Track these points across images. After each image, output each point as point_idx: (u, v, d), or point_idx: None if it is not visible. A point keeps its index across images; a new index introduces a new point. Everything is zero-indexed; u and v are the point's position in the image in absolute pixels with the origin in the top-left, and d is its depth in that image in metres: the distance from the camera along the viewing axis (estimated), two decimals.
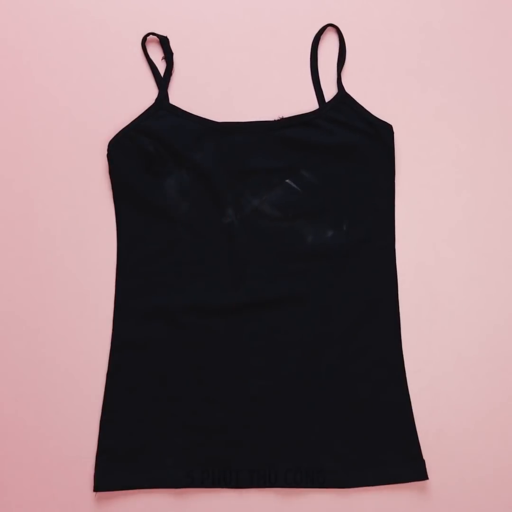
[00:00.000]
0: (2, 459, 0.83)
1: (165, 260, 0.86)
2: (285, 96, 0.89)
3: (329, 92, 0.89)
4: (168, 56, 0.89)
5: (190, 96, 0.89)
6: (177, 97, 0.89)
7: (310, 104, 0.89)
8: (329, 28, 0.90)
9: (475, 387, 0.85)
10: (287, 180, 0.87)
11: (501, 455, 0.83)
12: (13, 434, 0.84)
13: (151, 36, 0.90)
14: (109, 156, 0.87)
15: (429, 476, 0.81)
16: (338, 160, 0.87)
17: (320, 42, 0.90)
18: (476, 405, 0.84)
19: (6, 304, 0.86)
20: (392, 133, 0.87)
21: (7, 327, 0.86)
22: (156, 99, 0.88)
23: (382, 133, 0.87)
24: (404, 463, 0.82)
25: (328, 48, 0.91)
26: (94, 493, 0.81)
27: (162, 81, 0.89)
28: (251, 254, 0.86)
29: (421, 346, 0.85)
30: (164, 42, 0.89)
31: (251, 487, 0.81)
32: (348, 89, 0.89)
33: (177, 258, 0.86)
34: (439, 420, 0.84)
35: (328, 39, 0.91)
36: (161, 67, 0.90)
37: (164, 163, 0.87)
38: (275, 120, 0.88)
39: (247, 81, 0.90)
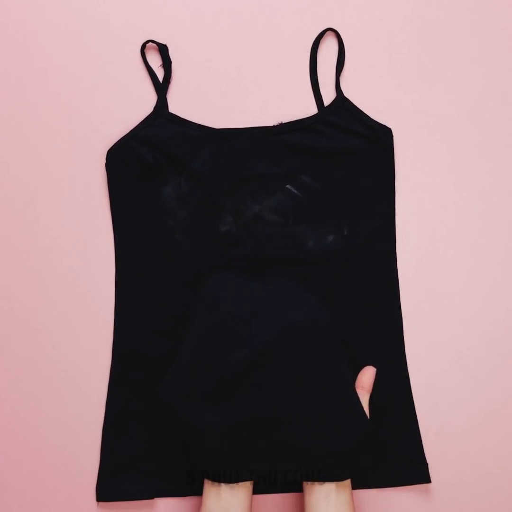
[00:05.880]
0: (4, 469, 0.83)
1: (164, 269, 0.86)
2: (284, 101, 0.89)
3: (328, 96, 0.89)
4: (167, 64, 0.89)
5: (188, 103, 0.89)
6: (176, 104, 0.89)
7: (309, 109, 0.89)
8: (327, 32, 0.90)
9: (475, 386, 0.84)
10: (287, 186, 0.87)
11: (502, 454, 0.83)
12: (14, 444, 0.84)
13: (150, 43, 0.90)
14: (108, 165, 0.87)
15: (430, 475, 0.82)
16: (338, 165, 0.87)
17: (319, 46, 0.90)
18: (476, 404, 0.84)
19: (6, 320, 0.86)
20: (392, 136, 0.87)
21: (6, 345, 0.86)
22: (155, 107, 0.88)
23: (382, 137, 0.87)
24: (407, 466, 0.82)
25: (327, 52, 0.90)
26: (97, 503, 0.81)
27: (161, 89, 0.89)
28: (250, 260, 0.86)
29: (421, 345, 0.85)
30: (163, 50, 0.89)
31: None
32: (347, 92, 0.88)
33: (176, 266, 0.86)
34: (439, 419, 0.84)
35: (326, 43, 0.90)
36: (159, 75, 0.90)
37: (163, 172, 0.87)
38: (274, 126, 0.88)
39: (246, 86, 0.90)
